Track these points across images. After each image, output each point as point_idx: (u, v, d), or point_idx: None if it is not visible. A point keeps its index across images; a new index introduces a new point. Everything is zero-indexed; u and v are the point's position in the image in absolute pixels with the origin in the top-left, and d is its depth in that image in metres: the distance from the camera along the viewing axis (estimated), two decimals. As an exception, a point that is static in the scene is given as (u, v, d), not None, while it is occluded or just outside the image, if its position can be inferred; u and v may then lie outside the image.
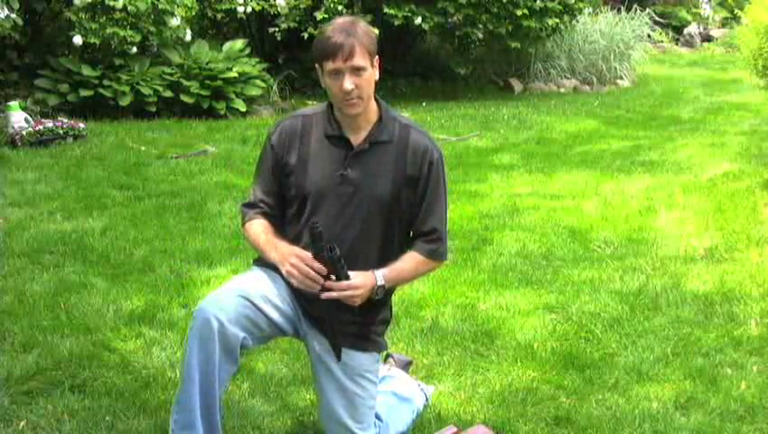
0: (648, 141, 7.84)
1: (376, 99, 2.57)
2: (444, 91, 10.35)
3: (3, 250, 4.46)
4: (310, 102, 8.71)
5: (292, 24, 8.92)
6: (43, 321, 3.62)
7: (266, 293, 2.54)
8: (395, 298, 2.78)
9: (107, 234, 4.78)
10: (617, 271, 4.43)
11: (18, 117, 6.67)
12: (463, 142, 7.64)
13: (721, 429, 2.95)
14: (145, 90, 7.76)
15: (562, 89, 10.97)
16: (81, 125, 6.98)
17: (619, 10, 12.16)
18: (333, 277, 2.44)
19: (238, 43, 8.81)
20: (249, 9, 8.96)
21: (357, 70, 2.43)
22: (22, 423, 2.87)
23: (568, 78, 11.18)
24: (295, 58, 9.70)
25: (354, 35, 2.43)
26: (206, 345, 2.41)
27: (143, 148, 6.71)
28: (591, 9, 11.36)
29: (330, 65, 2.44)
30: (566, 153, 7.35)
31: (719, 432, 2.94)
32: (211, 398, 2.47)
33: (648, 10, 12.78)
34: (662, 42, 15.55)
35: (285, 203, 2.63)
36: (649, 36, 12.80)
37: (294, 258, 2.42)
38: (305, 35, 8.81)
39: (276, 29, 8.99)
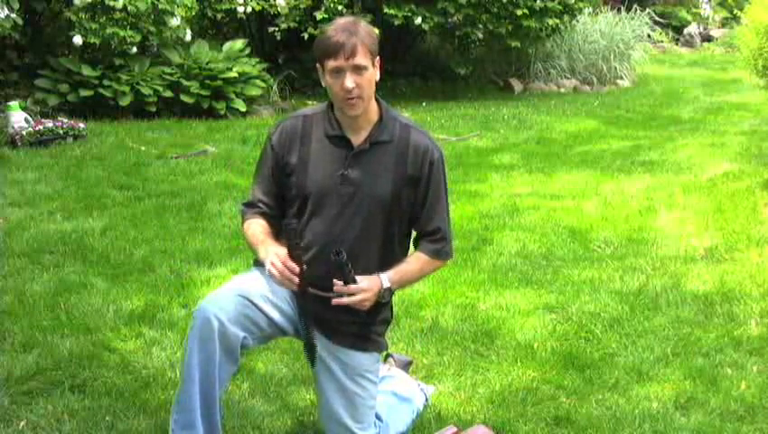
0: (648, 141, 7.84)
1: (376, 99, 2.58)
2: (444, 91, 10.35)
3: (3, 250, 4.46)
4: (310, 102, 8.71)
5: (292, 24, 8.93)
6: (43, 321, 3.62)
7: (266, 292, 2.54)
8: (395, 298, 2.78)
9: (107, 234, 4.78)
10: (617, 271, 4.43)
11: (18, 117, 6.68)
12: (463, 142, 7.64)
13: (721, 429, 2.96)
14: (145, 90, 7.76)
15: (562, 89, 10.97)
16: (81, 125, 6.98)
17: (619, 10, 12.17)
18: (341, 282, 2.45)
19: (238, 43, 8.81)
20: (249, 9, 8.96)
21: (358, 69, 2.43)
22: (22, 423, 2.87)
23: (568, 78, 11.18)
24: (295, 58, 9.70)
25: (356, 34, 2.43)
26: (206, 345, 2.41)
27: (143, 148, 6.71)
28: (591, 9, 11.36)
29: (331, 63, 2.44)
30: (566, 153, 7.36)
31: (719, 432, 2.94)
32: (212, 398, 2.47)
33: (648, 10, 12.78)
34: (662, 42, 15.56)
35: (284, 203, 2.63)
36: (649, 36, 12.80)
37: (273, 256, 2.42)
38: (305, 35, 8.81)
39: (276, 29, 8.99)
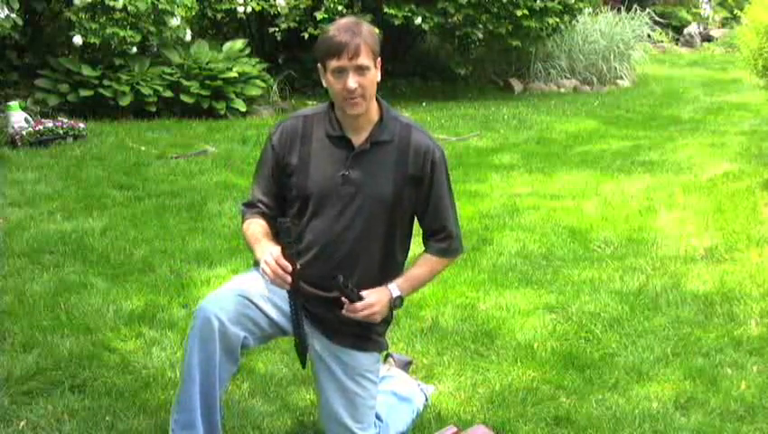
0: (648, 141, 7.84)
1: (377, 99, 2.57)
2: (444, 91, 10.35)
3: (3, 250, 4.46)
4: (310, 102, 8.71)
5: (292, 24, 8.93)
6: (43, 321, 3.62)
7: (267, 292, 2.54)
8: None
9: (107, 234, 4.78)
10: (617, 271, 4.43)
11: (18, 117, 6.67)
12: (463, 142, 7.64)
13: (721, 429, 2.96)
14: (145, 90, 7.76)
15: (562, 89, 10.97)
16: (81, 125, 6.98)
17: (619, 10, 12.17)
18: (345, 299, 2.47)
19: (238, 43, 8.81)
20: (249, 9, 8.96)
21: (361, 70, 2.43)
22: (22, 423, 2.87)
23: (568, 78, 11.18)
24: (295, 58, 9.70)
25: (360, 35, 2.43)
26: (207, 345, 2.41)
27: (143, 148, 6.71)
28: (591, 9, 11.35)
29: (334, 63, 2.43)
30: (566, 153, 7.36)
31: (719, 432, 2.94)
32: (212, 398, 2.47)
33: (648, 10, 12.78)
34: (662, 42, 15.56)
35: (284, 204, 2.64)
36: (649, 36, 12.80)
37: (267, 255, 2.41)
38: (305, 35, 8.81)
39: (276, 29, 8.99)
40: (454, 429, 2.77)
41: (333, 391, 2.60)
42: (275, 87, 9.01)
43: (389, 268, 2.61)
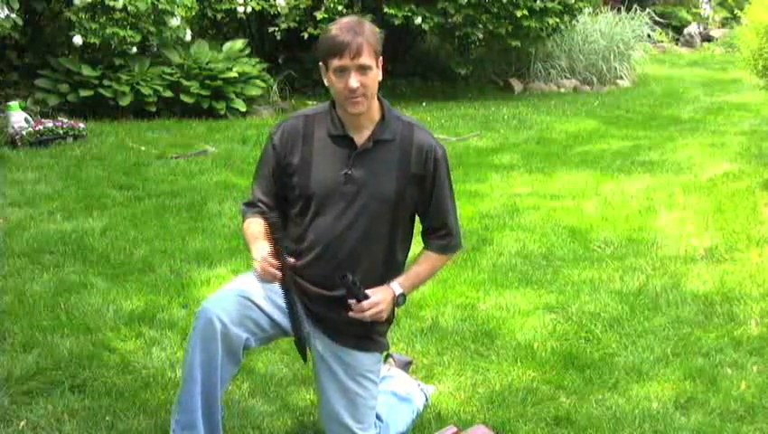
0: (648, 141, 7.84)
1: (378, 98, 2.58)
2: (444, 91, 10.35)
3: (3, 250, 4.46)
4: (310, 102, 8.71)
5: (292, 24, 8.93)
6: (43, 321, 3.62)
7: (269, 293, 2.54)
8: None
9: (107, 234, 4.78)
10: (617, 271, 4.43)
11: (18, 117, 6.67)
12: (463, 142, 7.64)
13: (721, 429, 2.96)
14: (145, 90, 7.76)
15: (562, 89, 10.96)
16: (81, 125, 6.98)
17: (619, 10, 12.16)
18: (354, 300, 2.48)
19: (238, 43, 8.81)
20: (249, 9, 8.97)
21: (363, 69, 2.43)
22: (22, 423, 2.87)
23: (568, 78, 11.18)
24: (295, 58, 9.70)
25: (362, 34, 2.43)
26: (209, 346, 2.41)
27: (143, 148, 6.71)
28: (591, 9, 11.35)
29: (336, 62, 2.43)
30: (566, 153, 7.35)
31: (719, 432, 2.94)
32: (213, 398, 2.47)
33: (648, 10, 12.78)
34: (662, 42, 15.55)
35: (285, 203, 2.64)
36: (649, 36, 12.79)
37: (258, 254, 2.43)
38: (305, 35, 8.81)
39: (276, 29, 8.99)
40: (454, 429, 2.77)
41: (334, 391, 2.60)
42: (275, 87, 9.01)
43: (391, 267, 2.61)
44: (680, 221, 5.31)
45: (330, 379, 2.61)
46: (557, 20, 10.03)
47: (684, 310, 3.94)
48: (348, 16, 2.59)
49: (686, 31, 16.46)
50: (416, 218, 2.69)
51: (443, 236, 2.67)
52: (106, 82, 7.69)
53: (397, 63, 9.62)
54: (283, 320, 2.57)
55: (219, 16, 9.45)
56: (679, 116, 9.26)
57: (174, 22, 8.00)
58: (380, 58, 2.51)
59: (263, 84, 8.66)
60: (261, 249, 2.43)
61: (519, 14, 9.45)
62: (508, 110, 9.23)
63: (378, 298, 2.50)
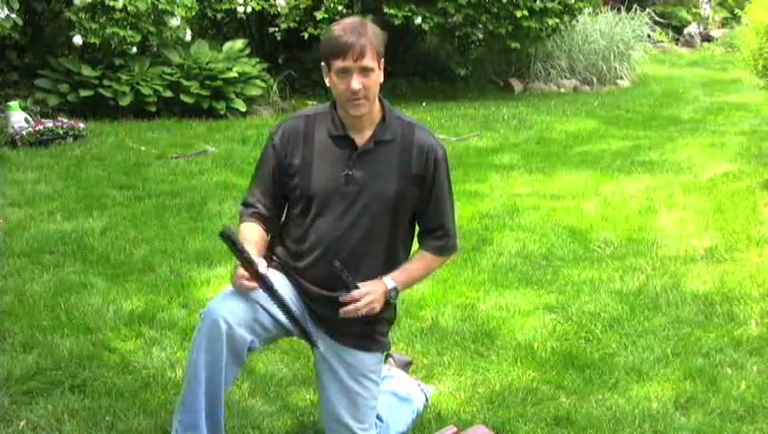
0: (648, 141, 7.84)
1: (379, 99, 2.58)
2: (444, 91, 10.35)
3: (3, 250, 4.46)
4: (310, 102, 8.71)
5: (292, 24, 8.92)
6: (43, 321, 3.62)
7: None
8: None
9: (107, 234, 4.78)
10: (617, 271, 4.43)
11: (18, 117, 6.67)
12: (463, 142, 7.64)
13: (721, 429, 2.96)
14: (145, 90, 7.76)
15: (562, 89, 10.96)
16: (81, 125, 6.98)
17: (619, 10, 12.16)
18: (344, 291, 2.48)
19: (238, 43, 8.81)
20: (249, 9, 8.96)
21: (365, 71, 2.43)
22: (22, 423, 2.87)
23: (568, 78, 11.17)
24: (294, 58, 9.70)
25: (365, 36, 2.43)
26: (213, 347, 2.41)
27: (143, 148, 6.71)
28: (591, 9, 11.35)
29: (339, 63, 2.43)
30: (566, 153, 7.36)
31: (719, 432, 2.94)
32: (216, 399, 2.47)
33: (648, 10, 12.77)
34: (662, 42, 15.55)
35: (284, 204, 2.64)
36: (649, 36, 12.79)
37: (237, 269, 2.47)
38: (305, 35, 8.81)
39: (276, 29, 8.99)
40: (454, 429, 2.77)
41: (335, 391, 2.60)
42: (275, 87, 9.00)
43: (392, 267, 2.61)
44: (680, 221, 5.31)
45: (331, 379, 2.61)
46: (557, 20, 10.03)
47: (684, 310, 3.94)
48: (351, 17, 2.58)
49: (686, 31, 16.46)
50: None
51: (439, 237, 2.67)
52: (106, 82, 7.69)
53: (397, 63, 9.61)
54: (286, 320, 2.57)
55: (219, 16, 9.44)
56: (679, 116, 9.26)
57: (174, 22, 8.00)
58: (383, 59, 2.51)
59: (263, 84, 8.66)
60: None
61: (518, 14, 9.45)
62: (508, 110, 9.23)
63: (367, 289, 2.50)
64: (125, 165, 6.28)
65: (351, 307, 2.50)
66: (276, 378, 3.23)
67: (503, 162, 6.95)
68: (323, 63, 2.51)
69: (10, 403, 2.98)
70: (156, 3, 7.75)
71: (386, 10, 8.90)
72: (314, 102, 8.48)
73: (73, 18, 7.53)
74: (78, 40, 7.46)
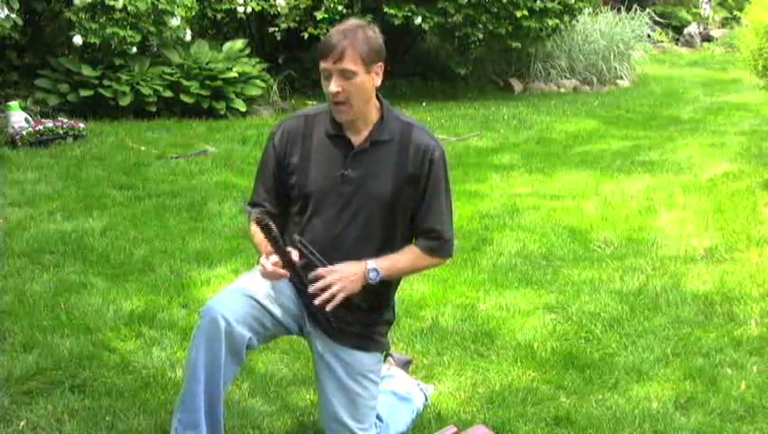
0: (648, 141, 7.84)
1: (378, 98, 2.58)
2: (444, 91, 10.35)
3: (3, 250, 4.46)
4: (310, 102, 8.71)
5: (292, 24, 8.92)
6: (43, 321, 3.62)
7: (272, 292, 2.55)
8: (395, 298, 2.78)
9: (107, 234, 4.78)
10: (617, 271, 4.43)
11: (18, 117, 6.67)
12: (463, 142, 7.64)
13: (721, 429, 2.96)
14: (145, 90, 7.76)
15: (562, 89, 10.96)
16: (81, 125, 6.98)
17: (619, 10, 12.16)
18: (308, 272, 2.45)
19: (238, 43, 8.81)
20: (249, 9, 8.96)
21: (344, 74, 2.42)
22: (22, 423, 2.87)
23: (568, 78, 11.17)
24: (294, 58, 9.70)
25: (351, 39, 2.42)
26: (212, 345, 2.41)
27: (143, 148, 6.71)
28: (591, 9, 11.35)
29: (321, 65, 2.46)
30: (566, 153, 7.36)
31: (719, 432, 2.94)
32: (216, 397, 2.47)
33: (648, 10, 12.77)
34: (662, 42, 15.55)
35: (286, 203, 2.64)
36: (649, 36, 12.79)
37: (262, 258, 2.46)
38: (305, 35, 8.81)
39: (276, 29, 8.99)
40: (454, 429, 2.77)
41: (334, 390, 2.60)
42: (275, 87, 9.00)
43: None
44: (680, 221, 5.31)
45: (330, 378, 2.60)
46: (557, 20, 10.03)
47: (684, 310, 3.94)
48: (350, 20, 2.57)
49: (686, 31, 16.46)
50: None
51: (432, 238, 2.62)
52: (106, 82, 7.69)
53: (397, 63, 9.61)
54: (286, 319, 2.58)
55: (219, 16, 9.44)
56: (679, 116, 9.26)
57: (174, 22, 8.00)
58: (377, 64, 2.48)
59: (263, 84, 8.66)
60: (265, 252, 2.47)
61: (519, 14, 9.45)
62: (508, 110, 9.23)
63: (336, 267, 2.46)
64: (125, 165, 6.28)
65: (319, 284, 2.44)
66: (276, 378, 3.23)
67: (503, 162, 6.95)
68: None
69: (10, 403, 2.98)
70: (156, 3, 7.75)
71: (386, 10, 8.90)
72: (314, 102, 8.48)
73: (73, 18, 7.53)
74: (78, 40, 7.46)
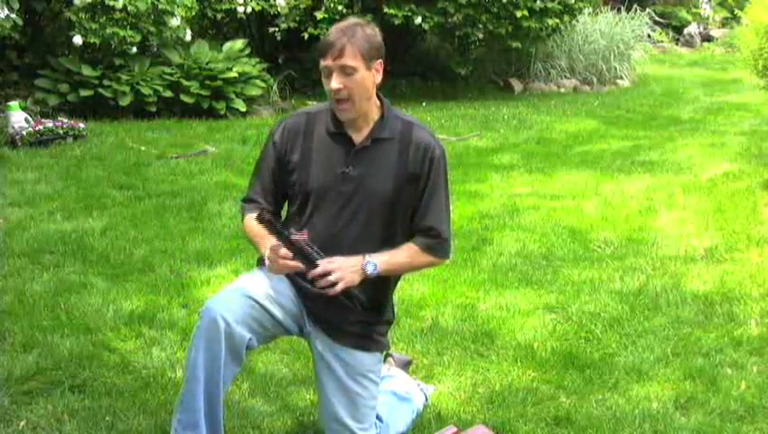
0: (648, 141, 7.84)
1: (379, 97, 2.58)
2: (444, 91, 10.35)
3: (3, 250, 4.46)
4: (310, 102, 8.71)
5: (292, 24, 8.92)
6: (43, 321, 3.62)
7: (272, 292, 2.54)
8: (395, 298, 2.78)
9: (107, 234, 4.78)
10: (617, 271, 4.43)
11: (18, 117, 6.67)
12: (463, 142, 7.64)
13: (721, 429, 2.96)
14: (145, 90, 7.76)
15: (562, 89, 10.96)
16: (81, 125, 6.98)
17: (619, 10, 12.15)
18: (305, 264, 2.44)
19: (238, 43, 8.81)
20: (249, 9, 8.96)
21: (345, 71, 2.44)
22: (22, 423, 2.87)
23: (568, 78, 11.17)
24: (294, 58, 9.70)
25: (350, 36, 2.44)
26: (212, 345, 2.41)
27: (143, 148, 6.71)
28: (591, 9, 11.35)
29: (322, 62, 2.47)
30: (566, 153, 7.35)
31: (719, 432, 2.94)
32: (215, 397, 2.47)
33: (648, 10, 12.77)
34: (662, 42, 15.54)
35: (283, 201, 2.65)
36: (649, 36, 12.79)
37: (268, 251, 2.45)
38: (305, 35, 8.81)
39: (276, 29, 8.99)
40: (454, 429, 2.77)
41: (335, 390, 2.60)
42: (275, 87, 9.00)
43: None
44: (680, 221, 5.31)
45: (330, 379, 2.60)
46: (557, 20, 10.03)
47: (684, 310, 3.94)
48: (348, 18, 2.59)
49: (686, 31, 16.45)
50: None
51: (431, 237, 2.61)
52: (106, 82, 7.69)
53: (397, 63, 9.61)
54: (286, 320, 2.58)
55: (219, 16, 9.44)
56: (679, 116, 9.26)
57: (174, 22, 8.00)
58: (377, 61, 2.50)
59: (263, 84, 8.66)
60: (269, 246, 2.45)
61: (519, 14, 9.45)
62: (508, 110, 9.23)
63: (334, 258, 2.44)
64: (125, 165, 6.28)
65: (320, 270, 2.43)
66: (276, 378, 3.23)
67: (503, 162, 6.95)
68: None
69: (10, 403, 2.98)
70: (156, 3, 7.75)
71: (386, 10, 8.90)
72: (314, 102, 8.47)
73: (73, 18, 7.53)
74: (78, 40, 7.46)
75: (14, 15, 7.00)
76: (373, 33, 2.51)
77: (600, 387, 3.24)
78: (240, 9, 8.93)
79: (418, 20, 9.07)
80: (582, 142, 7.81)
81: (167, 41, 8.25)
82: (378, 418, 2.75)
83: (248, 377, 3.20)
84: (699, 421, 2.99)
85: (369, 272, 2.50)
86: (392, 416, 2.82)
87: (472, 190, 5.95)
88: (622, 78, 11.47)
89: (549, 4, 9.79)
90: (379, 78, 2.52)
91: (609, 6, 12.78)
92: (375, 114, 2.58)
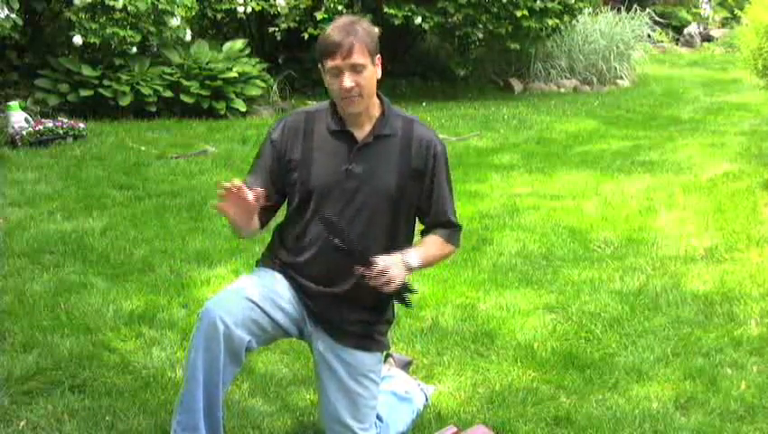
0: (648, 141, 7.84)
1: (378, 95, 2.59)
2: (444, 91, 10.35)
3: (3, 250, 4.46)
4: (310, 102, 8.71)
5: (292, 24, 8.93)
6: (43, 321, 3.62)
7: (272, 295, 2.55)
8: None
9: (107, 234, 4.78)
10: (617, 271, 4.43)
11: (18, 117, 6.67)
12: (463, 142, 7.64)
13: (721, 429, 2.96)
14: (145, 90, 7.76)
15: (562, 89, 10.96)
16: (81, 125, 6.98)
17: (619, 10, 12.16)
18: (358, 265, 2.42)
19: (238, 43, 8.81)
20: (249, 9, 8.96)
21: (356, 68, 2.45)
22: (22, 423, 2.87)
23: (568, 78, 11.17)
24: (294, 58, 9.70)
25: (354, 34, 2.45)
26: (211, 347, 2.41)
27: (143, 148, 6.71)
28: (591, 9, 11.35)
29: (330, 63, 2.46)
30: (566, 153, 7.35)
31: (719, 432, 2.94)
32: (215, 398, 2.47)
33: (648, 10, 12.77)
34: (662, 42, 15.55)
35: (281, 199, 2.64)
36: (649, 36, 12.79)
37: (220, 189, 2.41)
38: (305, 35, 8.81)
39: (276, 29, 8.99)
40: (454, 429, 2.77)
41: (335, 390, 2.60)
42: (275, 87, 9.00)
43: None
44: (680, 221, 5.31)
45: (331, 379, 2.60)
46: (557, 20, 10.03)
47: (684, 310, 3.94)
48: (344, 16, 2.60)
49: (686, 31, 16.45)
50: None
51: (450, 227, 2.67)
52: (106, 82, 7.69)
53: (397, 63, 9.62)
54: (285, 322, 2.58)
55: (219, 16, 9.45)
56: (679, 116, 9.26)
57: (174, 22, 8.00)
58: (378, 56, 2.52)
59: (263, 84, 8.66)
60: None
61: (519, 14, 9.45)
62: (508, 110, 9.23)
63: (387, 261, 2.43)
64: (125, 165, 6.28)
65: (381, 267, 2.41)
66: (276, 378, 3.23)
67: (503, 162, 6.95)
68: (319, 64, 2.52)
69: (10, 403, 2.98)
70: (156, 3, 7.75)
71: (386, 10, 8.90)
72: (314, 102, 8.47)
73: (73, 18, 7.53)
74: (78, 40, 7.46)
75: (13, 15, 7.00)
76: (370, 27, 2.54)
77: (600, 387, 3.24)
78: (240, 9, 8.93)
79: (418, 20, 9.08)
80: (582, 142, 7.81)
81: (167, 41, 8.25)
82: (378, 418, 2.75)
83: (248, 377, 3.20)
84: (699, 421, 2.99)
85: (413, 267, 2.51)
86: (392, 416, 2.82)
87: (472, 190, 5.95)
88: (622, 78, 11.47)
89: (549, 5, 9.79)
90: (379, 72, 2.54)
91: (609, 6, 12.78)
92: (376, 111, 2.58)
